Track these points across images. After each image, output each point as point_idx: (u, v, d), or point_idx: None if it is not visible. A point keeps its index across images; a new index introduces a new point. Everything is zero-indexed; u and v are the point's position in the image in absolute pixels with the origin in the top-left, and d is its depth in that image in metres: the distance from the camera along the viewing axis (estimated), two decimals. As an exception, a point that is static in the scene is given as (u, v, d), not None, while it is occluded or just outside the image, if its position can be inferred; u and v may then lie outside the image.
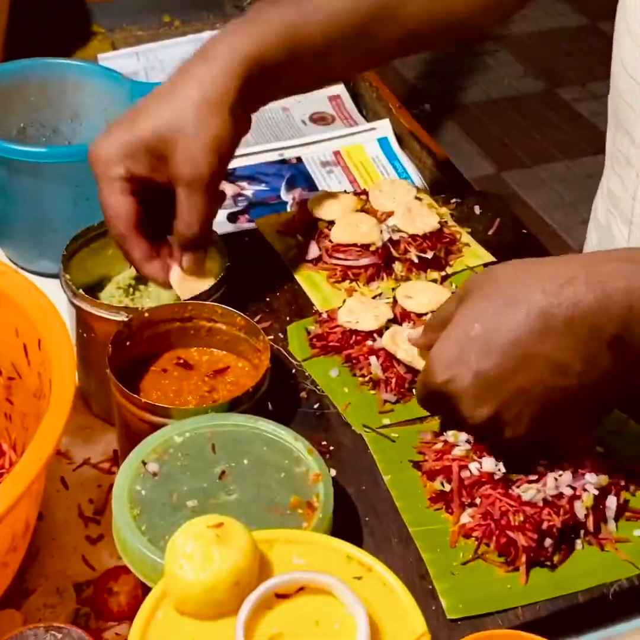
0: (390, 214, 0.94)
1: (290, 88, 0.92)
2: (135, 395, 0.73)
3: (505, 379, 0.67)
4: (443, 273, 0.93)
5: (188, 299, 0.82)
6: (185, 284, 0.83)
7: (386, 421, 0.81)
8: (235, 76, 0.80)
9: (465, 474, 0.72)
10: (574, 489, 0.71)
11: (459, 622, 0.67)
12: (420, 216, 0.94)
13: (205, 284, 0.83)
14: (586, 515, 0.71)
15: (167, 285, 0.84)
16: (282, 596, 0.55)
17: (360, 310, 0.85)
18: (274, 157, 1.17)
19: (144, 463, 0.67)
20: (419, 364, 0.80)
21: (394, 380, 0.82)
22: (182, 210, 0.81)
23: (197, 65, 0.82)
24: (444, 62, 3.27)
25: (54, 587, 0.72)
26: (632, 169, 0.88)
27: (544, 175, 2.84)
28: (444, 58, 3.28)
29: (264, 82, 0.82)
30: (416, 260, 0.92)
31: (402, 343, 0.81)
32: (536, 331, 0.66)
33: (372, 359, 0.82)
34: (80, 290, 0.81)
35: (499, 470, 0.72)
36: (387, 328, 0.84)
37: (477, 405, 0.68)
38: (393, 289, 0.89)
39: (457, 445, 0.74)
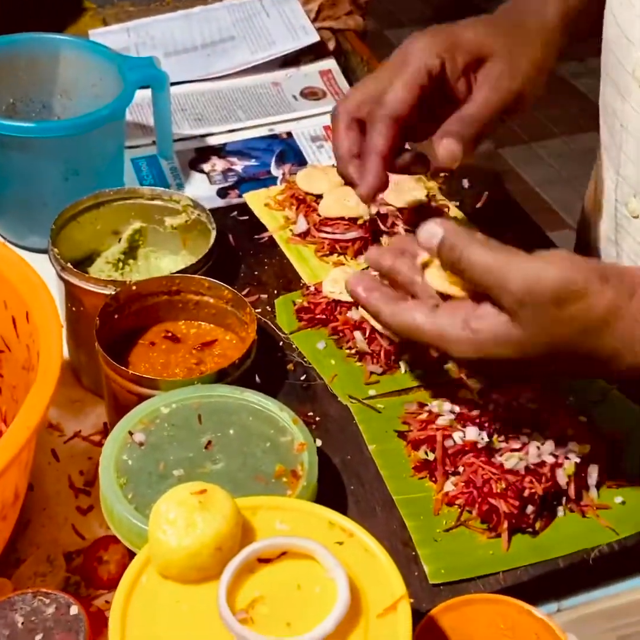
0: (378, 188, 0.95)
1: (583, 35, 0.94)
2: (123, 367, 0.73)
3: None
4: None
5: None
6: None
7: (372, 392, 0.82)
8: (562, 24, 0.86)
9: (448, 443, 0.73)
10: (556, 457, 0.72)
11: (441, 587, 0.68)
12: (408, 190, 0.95)
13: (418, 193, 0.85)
14: (568, 483, 0.72)
15: (371, 192, 0.80)
16: (264, 561, 0.56)
17: (344, 280, 0.85)
18: (264, 132, 1.17)
19: (131, 433, 0.68)
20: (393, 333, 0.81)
21: (380, 353, 0.83)
22: (473, 105, 0.81)
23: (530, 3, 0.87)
24: (440, 38, 3.25)
25: (45, 556, 0.73)
26: (617, 120, 0.88)
27: (542, 152, 2.84)
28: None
29: (574, 27, 0.88)
30: (403, 234, 0.92)
31: None
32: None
33: (357, 333, 0.83)
34: (69, 264, 0.82)
35: (482, 439, 0.73)
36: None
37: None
38: (380, 262, 0.89)
39: (442, 416, 0.75)
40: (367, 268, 0.89)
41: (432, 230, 0.68)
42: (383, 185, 0.79)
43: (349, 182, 0.81)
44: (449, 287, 0.69)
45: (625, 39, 0.85)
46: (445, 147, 0.79)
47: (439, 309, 0.68)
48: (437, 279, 0.69)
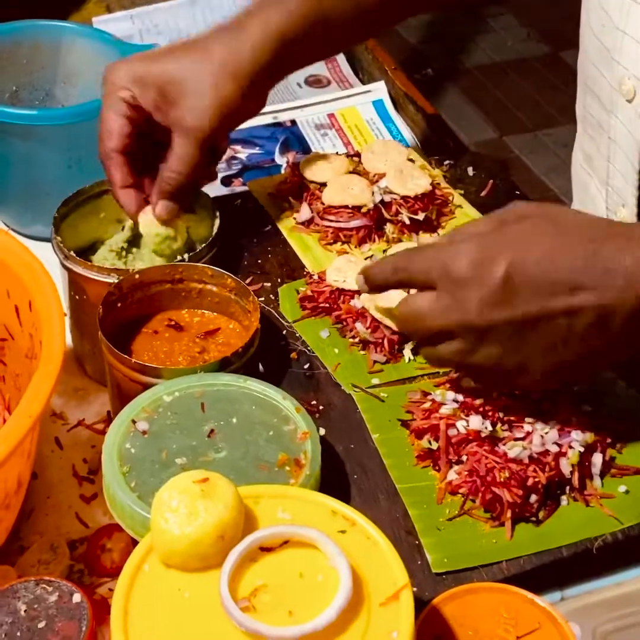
0: (382, 176, 0.95)
1: (310, 60, 0.93)
2: (126, 356, 0.73)
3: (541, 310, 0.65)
4: (435, 234, 0.94)
5: (156, 247, 0.85)
6: (150, 227, 0.85)
7: (375, 381, 0.81)
8: (264, 52, 0.82)
9: (452, 432, 0.73)
10: (559, 446, 0.72)
11: (444, 576, 0.68)
12: (412, 178, 0.94)
13: (163, 229, 0.85)
14: (572, 472, 0.72)
15: (133, 218, 0.85)
16: (266, 549, 0.56)
17: (348, 269, 0.85)
18: (268, 120, 1.16)
19: (134, 422, 0.68)
20: (391, 322, 0.81)
21: (384, 342, 0.83)
22: (171, 156, 0.82)
23: (229, 32, 0.84)
24: (446, 26, 3.24)
25: (49, 544, 0.73)
26: (605, 132, 0.88)
27: (547, 140, 2.83)
28: (446, 22, 3.25)
29: (288, 57, 0.84)
30: (407, 222, 0.92)
31: (379, 301, 0.82)
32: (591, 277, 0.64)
33: (358, 324, 0.83)
34: (72, 253, 0.81)
35: (486, 428, 0.72)
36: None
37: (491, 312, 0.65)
38: (384, 251, 0.89)
39: (445, 404, 0.75)
40: (371, 257, 0.89)
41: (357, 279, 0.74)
42: (143, 204, 0.85)
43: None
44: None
45: (607, 54, 0.83)
46: (162, 210, 0.84)
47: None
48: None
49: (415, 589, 0.65)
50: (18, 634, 0.58)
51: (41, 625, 0.58)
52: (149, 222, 0.85)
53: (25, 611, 0.59)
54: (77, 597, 0.60)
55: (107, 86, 0.83)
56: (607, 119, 0.85)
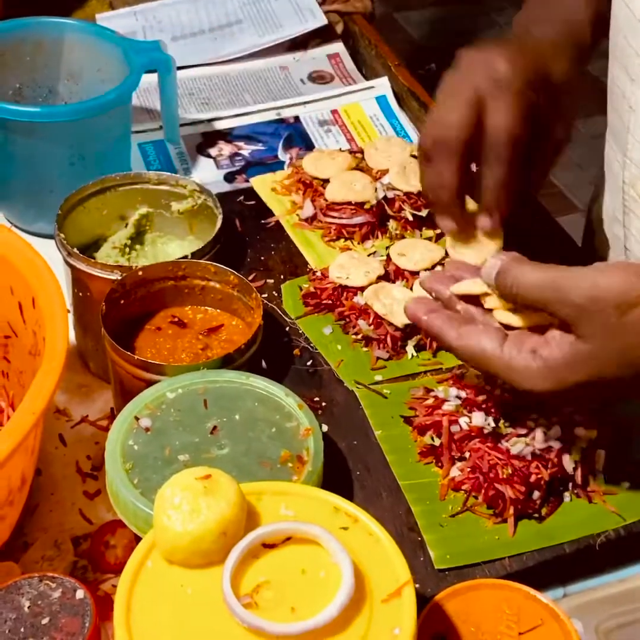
0: (385, 172, 0.95)
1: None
2: (129, 353, 0.74)
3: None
4: (438, 231, 0.93)
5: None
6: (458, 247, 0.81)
7: (378, 378, 0.82)
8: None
9: (455, 428, 0.73)
10: (562, 442, 0.72)
11: (446, 572, 0.69)
12: (415, 174, 0.94)
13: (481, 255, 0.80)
14: (574, 469, 0.72)
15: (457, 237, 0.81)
16: (269, 546, 0.56)
17: (351, 266, 0.86)
18: (271, 116, 1.16)
19: (137, 418, 0.68)
20: (396, 319, 0.81)
21: (387, 339, 0.83)
22: (553, 144, 0.80)
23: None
24: (450, 21, 3.23)
25: (52, 540, 0.73)
26: (626, 102, 0.88)
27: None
28: (450, 16, 3.24)
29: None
30: (410, 218, 0.92)
31: (383, 298, 0.82)
32: None
33: (361, 321, 0.83)
34: (75, 249, 0.82)
35: (488, 424, 0.72)
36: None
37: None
38: (387, 247, 0.89)
39: (448, 401, 0.75)
40: (374, 253, 0.89)
41: (491, 264, 0.66)
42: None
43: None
44: (510, 317, 0.67)
45: (636, 21, 0.84)
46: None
47: (506, 338, 0.65)
48: (498, 311, 0.68)
49: (417, 585, 0.65)
50: (22, 630, 0.58)
51: (45, 621, 0.58)
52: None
53: (28, 607, 0.59)
54: (80, 594, 0.60)
55: (507, 77, 0.75)
56: (631, 88, 0.85)
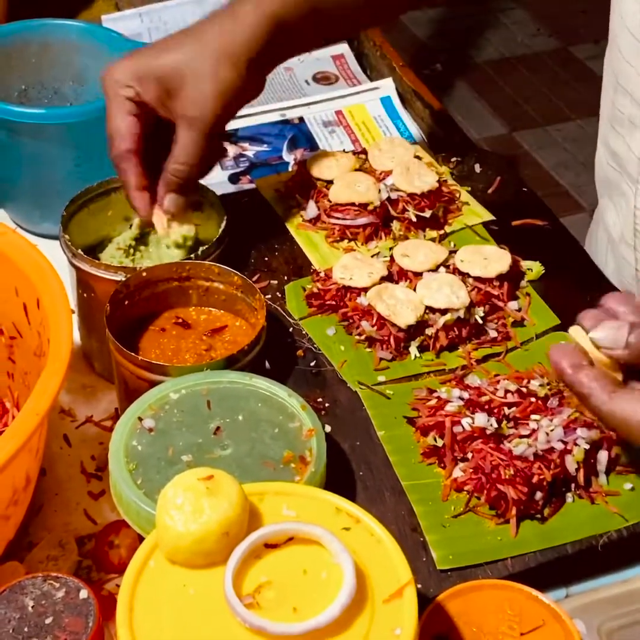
0: (388, 173, 0.95)
1: (307, 46, 0.94)
2: (133, 353, 0.74)
3: None
4: (441, 232, 0.94)
5: (170, 244, 0.85)
6: (166, 226, 0.85)
7: (381, 378, 0.82)
8: (259, 35, 0.82)
9: (457, 429, 0.73)
10: (565, 443, 0.72)
11: (449, 573, 0.69)
12: (419, 175, 0.94)
13: (185, 229, 0.85)
14: (577, 469, 0.72)
15: (148, 221, 0.85)
16: (271, 546, 0.56)
17: (355, 267, 0.86)
18: (275, 117, 1.17)
19: (140, 419, 0.69)
20: (399, 319, 0.81)
21: (390, 339, 0.83)
22: (176, 148, 0.82)
23: (223, 17, 0.84)
24: (455, 21, 3.23)
25: (57, 540, 0.74)
26: (637, 130, 0.87)
27: (557, 135, 2.82)
28: (455, 16, 3.24)
29: (284, 42, 0.84)
30: (414, 219, 0.92)
31: (386, 299, 0.82)
32: None
33: (364, 322, 0.83)
34: (79, 251, 0.82)
35: (491, 425, 0.73)
36: (381, 286, 0.85)
37: None
38: (391, 248, 0.90)
39: (451, 402, 0.75)
40: (377, 254, 0.89)
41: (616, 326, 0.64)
42: (152, 207, 0.85)
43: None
44: None
45: None
46: (170, 204, 0.84)
47: None
48: None
49: (419, 585, 0.66)
50: (25, 629, 0.58)
51: (48, 621, 0.59)
52: (162, 221, 0.85)
53: (32, 607, 0.59)
54: (84, 593, 0.60)
55: (110, 86, 0.83)
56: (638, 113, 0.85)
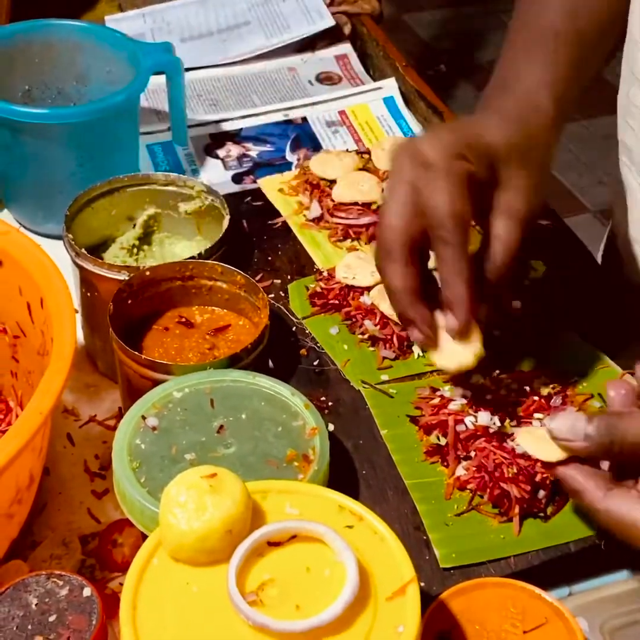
0: (391, 173, 0.95)
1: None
2: (136, 352, 0.74)
3: None
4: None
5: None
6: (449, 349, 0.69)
7: (385, 377, 0.82)
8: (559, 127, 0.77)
9: (460, 427, 0.73)
10: (568, 442, 0.72)
11: (452, 571, 0.69)
12: (422, 175, 0.94)
13: (470, 354, 0.69)
14: (580, 468, 0.72)
15: (429, 344, 0.70)
16: (274, 544, 0.57)
17: (358, 266, 0.86)
18: (279, 117, 1.17)
19: (144, 418, 0.69)
20: None
21: (393, 338, 0.83)
22: (495, 244, 0.67)
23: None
24: (459, 22, 3.23)
25: (60, 539, 0.74)
26: None
27: (560, 136, 2.82)
28: (459, 18, 3.24)
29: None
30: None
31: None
32: None
33: (367, 322, 0.83)
34: (83, 250, 0.82)
35: (494, 423, 0.73)
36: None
37: None
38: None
39: (454, 400, 0.75)
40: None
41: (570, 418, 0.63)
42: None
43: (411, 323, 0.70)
44: None
45: None
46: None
47: None
48: None
49: (422, 583, 0.66)
50: (29, 627, 0.58)
51: (52, 618, 0.59)
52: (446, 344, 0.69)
53: (36, 605, 0.59)
54: (87, 591, 0.60)
55: (433, 165, 0.66)
56: None
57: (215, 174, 1.08)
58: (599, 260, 1.07)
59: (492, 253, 0.67)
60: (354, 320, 0.85)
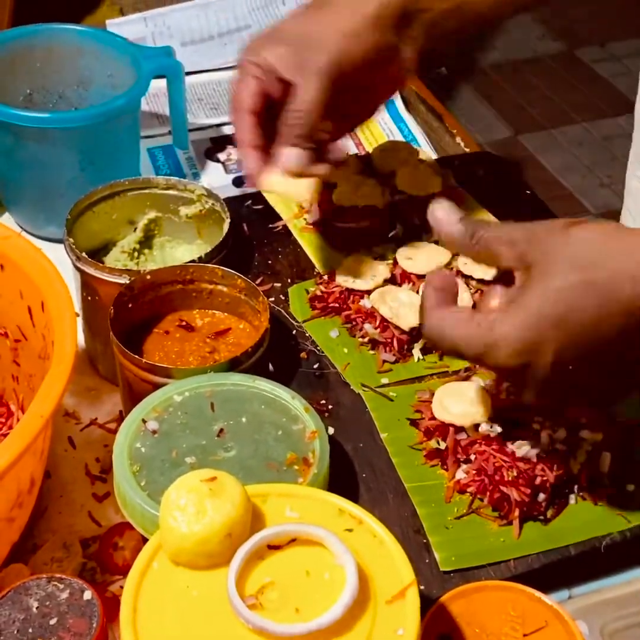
0: (392, 176, 0.95)
1: (447, 27, 0.87)
2: (137, 356, 0.74)
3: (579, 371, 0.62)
4: (444, 235, 0.94)
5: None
6: (280, 182, 0.78)
7: (385, 380, 0.82)
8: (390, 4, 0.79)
9: (461, 436, 0.73)
10: (568, 445, 0.72)
11: (452, 574, 0.69)
12: (423, 178, 0.95)
13: (302, 188, 0.79)
14: (580, 471, 0.72)
15: (254, 178, 0.79)
16: (274, 547, 0.57)
17: (357, 269, 0.86)
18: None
19: (144, 421, 0.69)
20: (402, 322, 0.81)
21: (393, 342, 0.83)
22: (295, 99, 0.77)
23: None
24: (460, 24, 3.23)
25: (61, 542, 0.74)
26: None
27: (562, 138, 2.82)
28: (460, 20, 3.24)
29: (423, 6, 0.81)
30: (417, 222, 0.92)
31: (390, 301, 0.83)
32: (625, 330, 0.60)
33: (367, 325, 0.83)
34: (84, 254, 0.82)
35: (493, 431, 0.73)
36: (384, 288, 0.85)
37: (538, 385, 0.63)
38: (394, 251, 0.90)
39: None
40: (380, 257, 0.89)
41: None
42: (265, 168, 0.79)
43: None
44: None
45: None
46: (289, 159, 0.77)
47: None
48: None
49: (422, 587, 0.66)
50: (30, 630, 0.59)
51: (53, 621, 0.59)
52: (273, 183, 0.78)
53: (37, 608, 0.60)
54: (88, 595, 0.60)
55: (241, 57, 0.80)
56: None
57: (216, 178, 1.09)
58: None
59: (293, 105, 0.77)
60: (354, 323, 0.85)
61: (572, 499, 0.72)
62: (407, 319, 0.81)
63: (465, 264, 0.86)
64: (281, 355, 0.82)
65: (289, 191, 0.79)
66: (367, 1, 0.79)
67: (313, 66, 0.77)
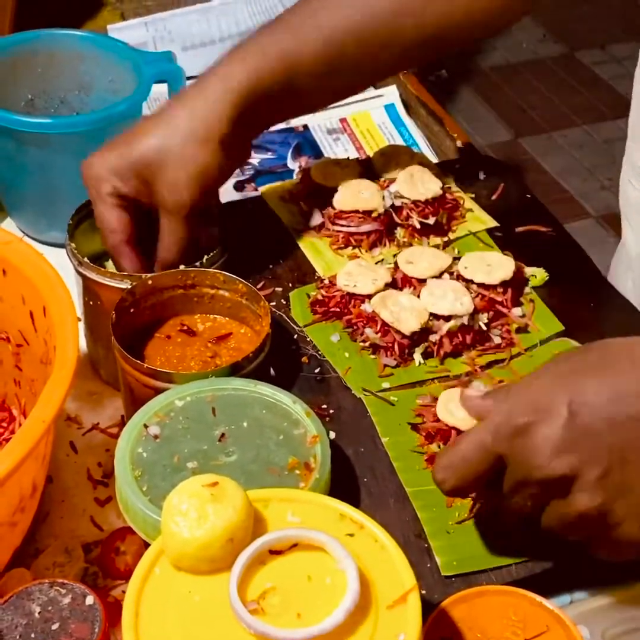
0: (392, 180, 0.95)
1: (292, 112, 0.92)
2: (138, 361, 0.74)
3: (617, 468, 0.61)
4: (445, 238, 0.94)
5: None
6: None
7: (386, 385, 0.82)
8: (227, 108, 0.81)
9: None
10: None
11: (453, 579, 0.69)
12: (423, 182, 0.95)
13: None
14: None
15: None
16: (275, 552, 0.57)
17: (359, 274, 0.86)
18: (280, 125, 1.17)
19: (146, 426, 0.69)
20: (403, 326, 0.81)
21: (394, 346, 0.83)
22: (162, 235, 0.83)
23: (190, 95, 0.83)
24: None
25: (63, 547, 0.74)
26: None
27: (562, 141, 2.83)
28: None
29: (261, 110, 0.83)
30: (418, 226, 0.93)
31: (391, 306, 0.83)
32: None
33: (368, 329, 0.83)
34: (85, 259, 0.83)
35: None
36: (385, 293, 0.85)
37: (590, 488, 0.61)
38: (395, 255, 0.90)
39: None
40: (381, 261, 0.89)
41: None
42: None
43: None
44: None
45: None
46: None
47: None
48: None
49: (424, 591, 0.66)
50: (32, 635, 0.59)
51: (55, 627, 0.59)
52: None
53: (39, 613, 0.60)
54: (90, 600, 0.61)
55: (90, 183, 0.82)
56: None
57: (217, 182, 1.08)
58: (609, 271, 1.07)
59: (160, 244, 0.83)
60: (355, 328, 0.85)
61: (573, 503, 0.72)
62: (408, 323, 0.82)
63: (466, 268, 0.87)
64: (282, 359, 0.82)
65: None
66: (207, 120, 0.80)
67: (172, 206, 0.81)
